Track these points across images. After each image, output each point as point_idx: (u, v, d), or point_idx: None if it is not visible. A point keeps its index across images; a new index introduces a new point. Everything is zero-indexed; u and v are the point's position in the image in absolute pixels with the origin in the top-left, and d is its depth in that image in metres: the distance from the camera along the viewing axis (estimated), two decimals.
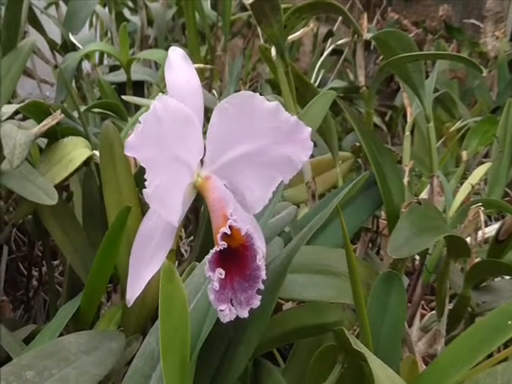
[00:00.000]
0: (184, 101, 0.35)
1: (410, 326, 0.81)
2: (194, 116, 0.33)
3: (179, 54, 0.37)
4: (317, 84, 1.53)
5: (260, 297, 0.33)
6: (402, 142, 1.61)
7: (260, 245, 0.40)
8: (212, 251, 0.31)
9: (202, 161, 0.35)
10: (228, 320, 0.32)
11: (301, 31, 0.75)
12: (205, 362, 0.46)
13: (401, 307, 0.60)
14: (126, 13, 1.35)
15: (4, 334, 0.64)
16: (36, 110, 0.72)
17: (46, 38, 1.34)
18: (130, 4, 1.38)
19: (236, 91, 1.39)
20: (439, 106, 0.94)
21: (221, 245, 0.31)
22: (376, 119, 1.63)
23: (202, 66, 1.31)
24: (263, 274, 0.33)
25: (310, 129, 0.34)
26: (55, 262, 0.98)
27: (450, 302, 0.81)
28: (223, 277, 0.31)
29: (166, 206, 0.32)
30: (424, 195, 0.81)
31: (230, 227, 0.32)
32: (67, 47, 1.13)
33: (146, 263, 0.34)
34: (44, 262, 0.90)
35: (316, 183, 0.84)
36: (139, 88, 1.08)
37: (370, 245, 0.91)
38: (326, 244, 0.73)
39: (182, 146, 0.32)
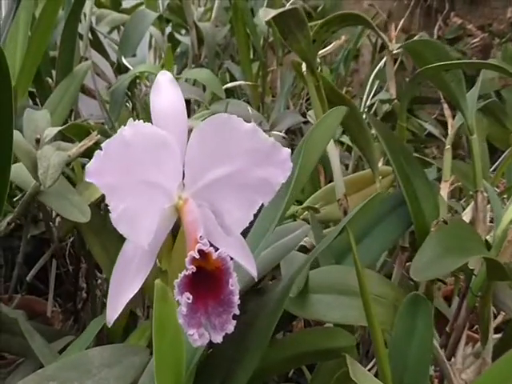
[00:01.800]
0: (166, 124, 0.35)
1: (454, 352, 0.76)
2: (172, 139, 0.33)
3: (167, 77, 0.38)
4: (371, 95, 1.49)
5: (234, 322, 0.33)
6: (466, 155, 1.52)
7: (250, 268, 0.39)
8: (180, 275, 0.31)
9: (183, 183, 0.35)
10: (199, 345, 0.32)
11: (332, 45, 0.73)
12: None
13: (428, 334, 0.56)
14: (178, 34, 1.40)
15: (40, 344, 0.67)
16: (78, 132, 0.77)
17: (108, 61, 1.42)
18: (184, 25, 1.43)
19: (285, 107, 1.40)
20: (488, 115, 0.88)
21: (189, 269, 0.31)
22: (435, 130, 1.55)
23: (251, 83, 1.33)
24: (236, 299, 0.32)
25: (288, 150, 0.34)
26: (103, 275, 1.03)
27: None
28: (190, 301, 0.31)
29: (135, 230, 0.32)
30: (468, 212, 0.76)
31: (200, 251, 0.32)
32: (121, 69, 1.19)
33: (125, 286, 0.35)
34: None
35: (355, 200, 0.81)
36: (186, 107, 1.11)
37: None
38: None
39: (154, 170, 0.32)
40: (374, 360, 0.76)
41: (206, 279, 0.33)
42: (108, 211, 0.89)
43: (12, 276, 0.91)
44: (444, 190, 0.72)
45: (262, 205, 0.35)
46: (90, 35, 1.28)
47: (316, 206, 0.85)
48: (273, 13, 0.59)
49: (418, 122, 1.63)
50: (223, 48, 1.50)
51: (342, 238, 0.72)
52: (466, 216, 0.76)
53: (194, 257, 0.31)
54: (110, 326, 0.36)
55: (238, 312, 0.33)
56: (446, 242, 0.55)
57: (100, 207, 0.83)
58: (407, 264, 0.80)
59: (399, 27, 1.67)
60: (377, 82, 1.52)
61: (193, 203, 0.34)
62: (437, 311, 0.78)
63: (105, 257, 0.80)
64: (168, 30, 1.44)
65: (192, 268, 0.31)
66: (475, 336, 0.82)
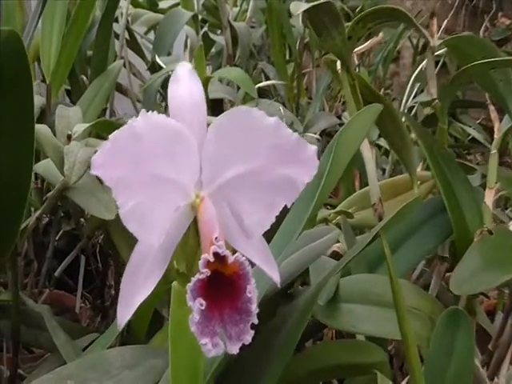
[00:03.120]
0: (184, 117, 0.33)
1: (497, 371, 0.70)
2: (188, 132, 0.31)
3: (187, 68, 0.36)
4: (411, 98, 1.44)
5: (252, 332, 0.30)
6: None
7: (272, 274, 0.36)
8: (193, 279, 0.29)
9: (201, 180, 0.32)
10: (212, 355, 0.29)
11: (369, 42, 0.70)
12: None
13: (468, 352, 0.52)
14: (212, 34, 1.39)
15: (63, 341, 0.66)
16: (107, 128, 0.76)
17: (144, 61, 1.43)
18: (220, 25, 1.42)
19: (320, 109, 1.36)
20: None
21: (203, 273, 0.29)
22: (479, 135, 1.48)
23: (285, 83, 1.30)
24: (254, 308, 0.30)
25: (315, 147, 0.31)
26: None
27: None
28: (203, 308, 0.29)
29: (145, 228, 0.30)
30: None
31: (214, 254, 0.29)
32: (155, 68, 1.18)
33: (137, 288, 0.33)
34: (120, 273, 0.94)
35: (391, 206, 0.77)
36: (218, 107, 1.10)
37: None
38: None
39: (168, 165, 0.30)
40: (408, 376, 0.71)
41: (223, 285, 0.30)
42: None
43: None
44: (489, 197, 0.67)
45: (286, 206, 0.32)
46: (126, 35, 1.28)
47: (349, 211, 0.81)
48: (304, 6, 0.56)
49: (461, 127, 1.56)
50: (258, 49, 1.48)
51: (376, 245, 0.68)
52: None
53: (209, 260, 0.29)
54: (119, 329, 0.34)
55: (256, 321, 0.30)
56: (490, 253, 0.51)
57: None
58: (447, 275, 0.75)
59: (442, 28, 1.61)
60: (417, 85, 1.46)
61: (209, 202, 0.31)
62: (478, 326, 0.73)
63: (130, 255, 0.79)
64: (204, 30, 1.43)
65: (206, 272, 0.29)
66: None
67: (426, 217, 0.64)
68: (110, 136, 0.27)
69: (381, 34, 0.74)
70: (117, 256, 0.86)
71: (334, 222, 0.83)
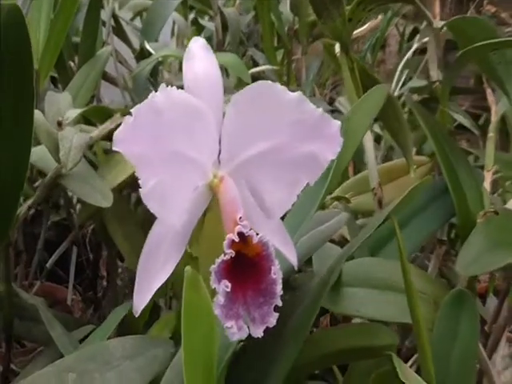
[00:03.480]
0: (201, 93, 0.32)
1: (493, 353, 0.71)
2: (207, 109, 0.30)
3: (200, 43, 0.34)
4: (400, 85, 1.44)
5: (277, 315, 0.29)
6: (497, 147, 1.46)
7: (290, 256, 0.36)
8: (218, 260, 0.28)
9: (219, 159, 0.31)
10: (237, 338, 0.28)
11: (367, 25, 0.69)
12: (236, 379, 0.42)
13: (472, 335, 0.52)
14: (201, 19, 1.37)
15: (60, 333, 0.65)
16: (99, 115, 0.74)
17: (131, 48, 1.40)
18: (208, 11, 1.39)
19: (310, 95, 1.36)
20: None
21: (228, 253, 0.28)
22: (467, 121, 1.49)
23: (275, 68, 1.29)
24: (279, 289, 0.29)
25: (338, 123, 0.30)
26: (124, 264, 1.00)
27: None
28: (229, 290, 0.28)
29: (166, 207, 0.29)
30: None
31: (240, 234, 0.28)
32: (144, 55, 1.16)
33: (154, 273, 0.32)
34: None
35: (388, 190, 0.77)
36: None
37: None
38: (392, 256, 0.67)
39: (188, 142, 0.29)
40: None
41: (245, 266, 0.29)
42: (131, 198, 0.86)
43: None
44: (486, 180, 0.67)
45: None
46: (112, 22, 1.25)
47: (346, 196, 0.81)
48: None
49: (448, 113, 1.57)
50: (247, 35, 1.46)
51: (378, 229, 0.68)
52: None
53: (234, 240, 0.28)
54: (136, 316, 0.33)
55: (280, 303, 0.29)
56: (495, 235, 0.51)
57: (123, 193, 0.81)
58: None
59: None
60: (405, 72, 1.46)
61: (230, 181, 0.30)
62: None
63: (127, 245, 0.77)
64: (191, 16, 1.40)
65: (231, 252, 0.28)
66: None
67: (427, 199, 0.64)
68: (132, 110, 0.26)
69: (380, 17, 0.73)
70: (110, 246, 0.85)
71: (330, 207, 0.83)
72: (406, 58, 1.44)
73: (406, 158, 0.82)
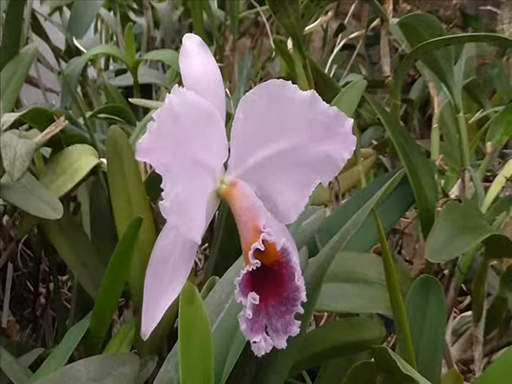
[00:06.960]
0: (202, 94, 0.30)
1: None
2: (216, 112, 0.28)
3: (195, 40, 0.32)
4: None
5: (299, 322, 0.28)
6: (418, 137, 1.54)
7: (296, 260, 0.34)
8: (243, 271, 0.26)
9: (225, 164, 0.29)
10: (263, 353, 0.27)
11: (318, 21, 0.70)
12: None
13: (440, 316, 0.54)
14: (132, 15, 1.31)
15: (9, 362, 0.59)
16: (39, 118, 0.68)
17: (50, 45, 1.30)
18: (136, 6, 1.34)
19: (246, 91, 1.35)
20: (466, 94, 0.88)
21: (254, 264, 0.26)
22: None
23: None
24: (303, 296, 0.28)
25: (351, 121, 0.29)
26: (63, 278, 0.93)
27: None
28: (256, 302, 0.26)
29: (187, 220, 0.27)
30: (455, 191, 0.75)
31: (263, 242, 0.26)
32: (71, 52, 1.08)
33: (163, 289, 0.29)
34: (51, 278, 0.85)
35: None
36: (147, 91, 1.03)
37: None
38: (354, 248, 0.68)
39: (202, 148, 0.27)
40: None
41: (264, 275, 0.28)
42: (76, 208, 0.80)
43: None
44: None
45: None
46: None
47: None
48: None
49: (370, 107, 1.64)
50: (177, 31, 1.42)
51: (336, 220, 0.69)
52: (453, 195, 0.76)
53: (259, 249, 0.26)
54: (145, 339, 0.30)
55: (302, 311, 0.28)
56: (459, 221, 0.53)
57: (68, 201, 0.75)
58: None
59: (350, 13, 1.67)
60: (334, 67, 1.51)
61: (245, 185, 0.28)
62: None
63: (73, 257, 0.72)
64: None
65: (256, 263, 0.26)
66: None
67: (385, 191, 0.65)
68: (154, 115, 0.23)
69: (330, 13, 0.74)
70: (51, 259, 0.78)
71: None
72: (334, 53, 1.48)
73: (354, 150, 0.84)
